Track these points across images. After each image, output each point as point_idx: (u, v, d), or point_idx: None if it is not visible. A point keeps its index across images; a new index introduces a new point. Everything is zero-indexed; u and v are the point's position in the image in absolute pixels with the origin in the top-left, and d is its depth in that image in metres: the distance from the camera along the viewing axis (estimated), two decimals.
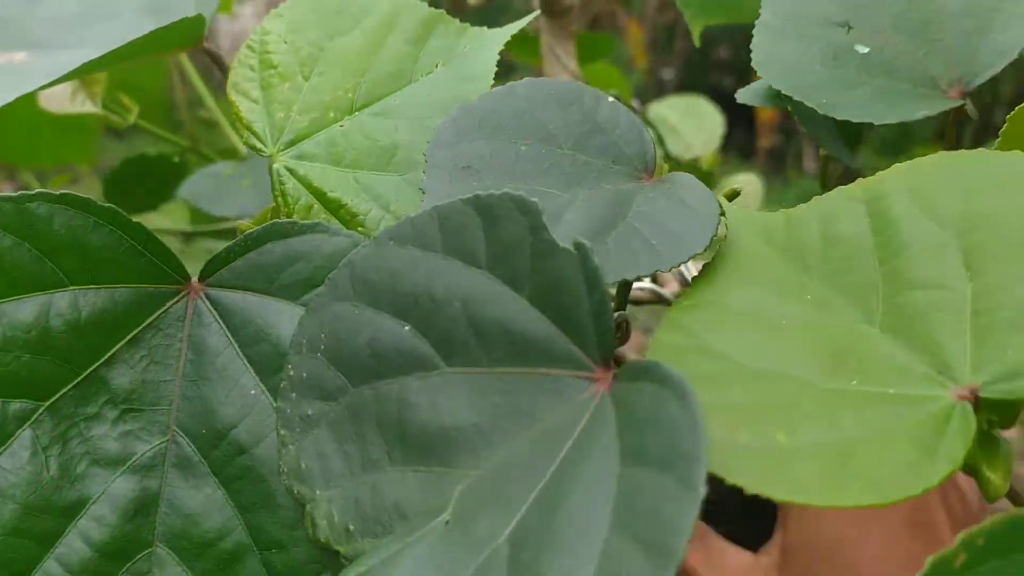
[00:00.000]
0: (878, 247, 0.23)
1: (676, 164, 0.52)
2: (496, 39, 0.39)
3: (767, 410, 0.19)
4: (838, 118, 0.32)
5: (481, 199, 0.23)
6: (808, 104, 0.32)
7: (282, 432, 0.24)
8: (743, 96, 0.38)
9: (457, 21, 0.40)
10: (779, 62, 0.34)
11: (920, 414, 0.19)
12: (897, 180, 0.24)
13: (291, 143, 0.38)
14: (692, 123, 0.49)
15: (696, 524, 0.36)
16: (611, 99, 0.31)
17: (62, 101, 0.54)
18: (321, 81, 0.39)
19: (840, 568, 0.32)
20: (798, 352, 0.21)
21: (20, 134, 0.66)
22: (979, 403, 0.19)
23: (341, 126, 0.38)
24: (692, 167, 0.50)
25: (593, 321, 0.20)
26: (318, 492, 0.23)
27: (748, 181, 0.48)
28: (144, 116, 0.60)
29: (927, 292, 0.21)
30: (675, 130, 0.50)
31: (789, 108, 0.35)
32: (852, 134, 0.38)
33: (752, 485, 0.18)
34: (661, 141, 0.54)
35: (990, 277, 0.20)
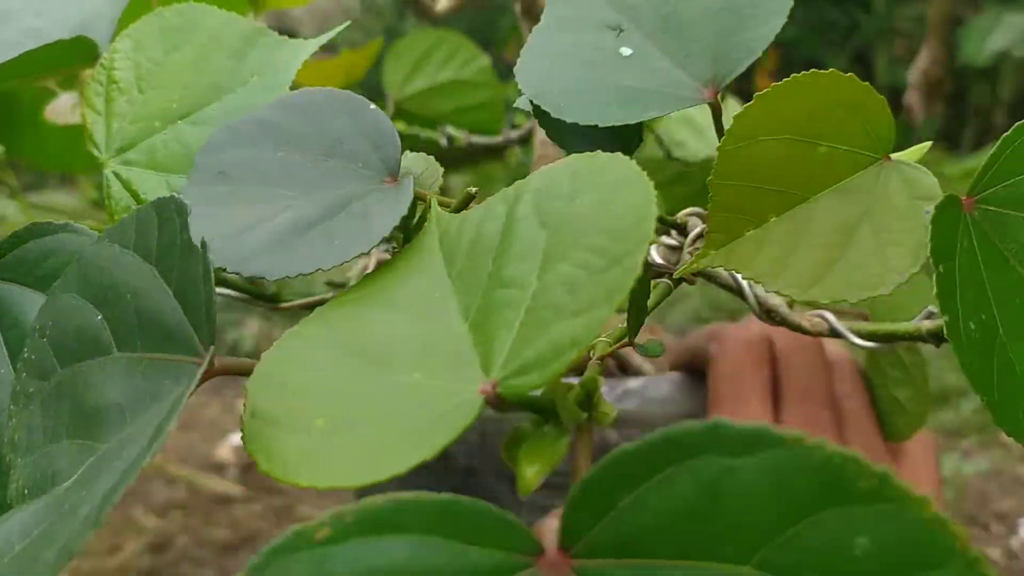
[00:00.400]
0: (499, 247, 0.24)
1: (684, 166, 0.51)
2: (301, 51, 0.42)
3: (325, 399, 0.22)
4: (567, 120, 0.32)
5: (159, 201, 0.26)
6: (544, 108, 0.32)
7: (10, 406, 0.28)
8: (520, 103, 0.36)
9: (276, 35, 0.43)
10: (533, 66, 0.34)
11: (447, 405, 0.20)
12: (534, 179, 0.25)
13: (120, 150, 0.42)
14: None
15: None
16: (373, 107, 0.32)
17: (64, 113, 0.57)
18: (154, 94, 0.43)
19: None
20: (391, 346, 0.23)
21: (33, 138, 0.69)
22: (499, 397, 0.20)
23: (163, 134, 0.42)
24: (704, 168, 0.49)
25: (205, 311, 0.23)
26: (19, 460, 0.26)
27: None
28: None
29: (507, 290, 0.23)
30: (701, 131, 0.49)
31: (536, 114, 0.34)
32: (624, 140, 0.36)
33: (269, 467, 0.20)
34: (659, 142, 0.53)
35: (551, 275, 0.22)
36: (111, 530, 2.08)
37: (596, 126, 0.32)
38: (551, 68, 0.34)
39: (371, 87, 0.55)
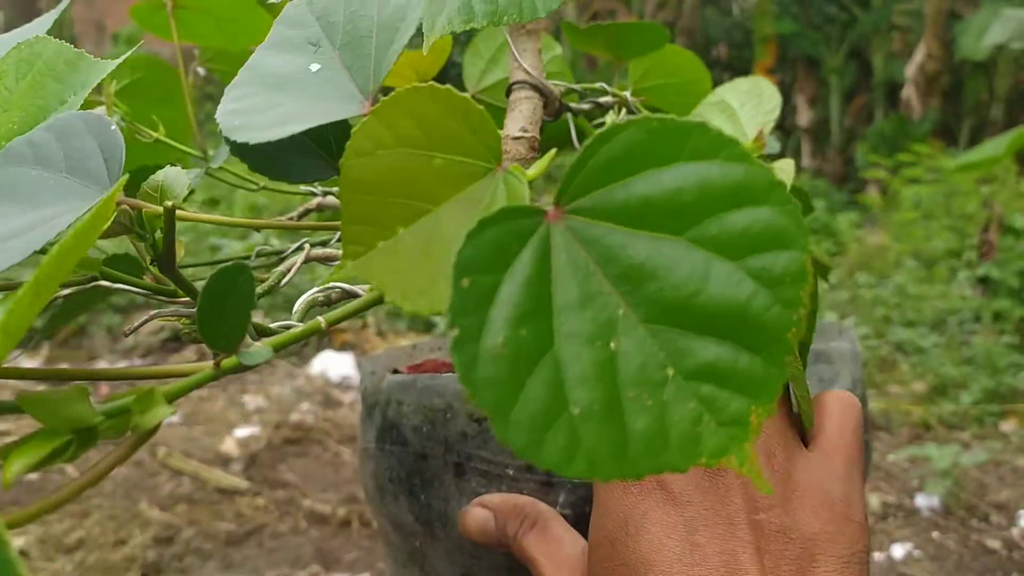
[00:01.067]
0: None
1: None
2: (99, 70, 0.43)
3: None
4: (236, 140, 0.33)
5: None
6: (222, 129, 0.33)
7: None
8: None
9: (93, 58, 0.45)
10: (234, 89, 0.35)
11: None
12: None
13: None
14: (751, 107, 0.48)
15: (543, 510, 0.37)
16: (113, 127, 0.33)
17: None
18: (3, 117, 0.45)
19: (619, 560, 0.33)
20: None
21: None
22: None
23: None
24: None
25: None
26: None
27: (783, 165, 0.49)
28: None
29: None
30: (734, 115, 0.48)
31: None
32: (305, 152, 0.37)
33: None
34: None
35: None
36: (117, 523, 2.09)
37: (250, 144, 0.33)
38: (243, 88, 0.35)
39: (457, 82, 0.56)
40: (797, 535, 0.33)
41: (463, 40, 0.44)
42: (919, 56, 7.97)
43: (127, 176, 0.29)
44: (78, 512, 2.15)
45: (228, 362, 0.28)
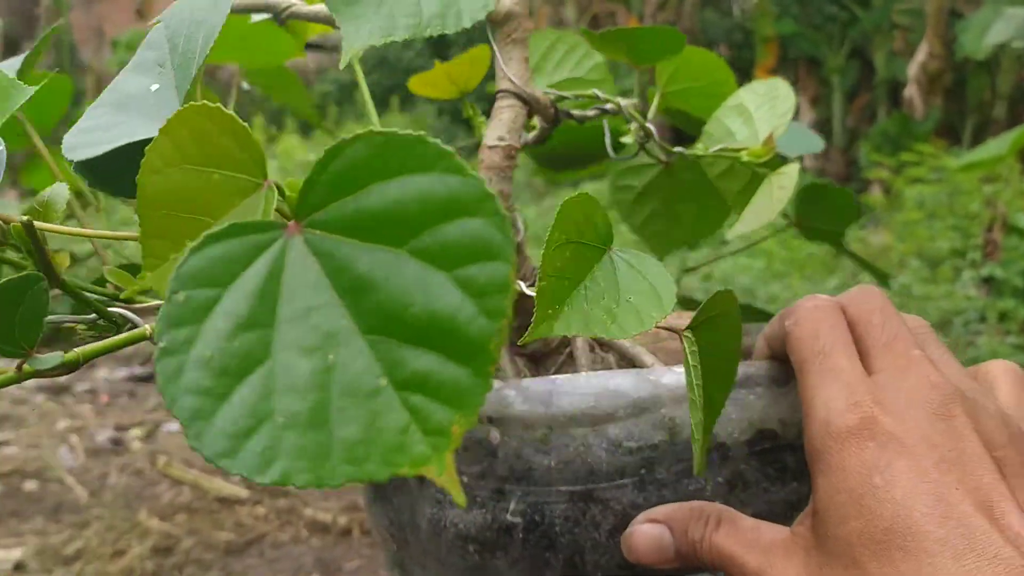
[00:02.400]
0: None
1: (732, 160, 0.50)
2: (18, 95, 0.43)
3: None
4: (69, 159, 0.35)
5: None
6: (63, 148, 0.35)
7: None
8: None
9: (21, 86, 0.43)
10: (90, 109, 0.37)
11: None
12: None
13: None
14: (766, 109, 0.49)
15: (721, 508, 0.38)
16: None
17: None
18: None
19: (870, 517, 0.33)
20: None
21: None
22: None
23: None
24: (731, 159, 0.49)
25: None
26: None
27: (788, 171, 0.48)
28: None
29: None
30: (750, 118, 0.49)
31: None
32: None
33: None
34: (709, 136, 0.52)
35: None
36: (116, 533, 2.07)
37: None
38: (96, 108, 0.38)
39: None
40: None
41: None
42: (921, 55, 7.94)
43: None
44: (77, 522, 2.14)
45: (27, 367, 0.30)
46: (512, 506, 0.38)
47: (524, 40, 0.47)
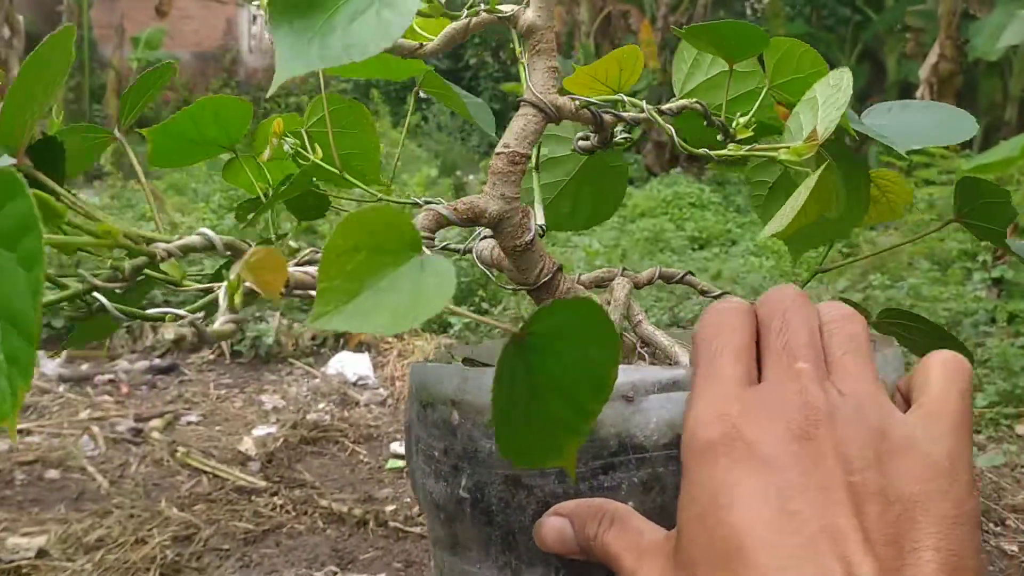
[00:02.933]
0: None
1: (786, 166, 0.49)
2: None
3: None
4: None
5: None
6: None
7: None
8: None
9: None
10: None
11: None
12: None
13: None
14: (830, 102, 0.48)
15: (619, 507, 0.38)
16: None
17: None
18: None
19: (710, 537, 0.32)
20: None
21: None
22: None
23: None
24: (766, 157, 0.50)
25: None
26: None
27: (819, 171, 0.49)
28: None
29: None
30: (817, 110, 0.48)
31: None
32: None
33: None
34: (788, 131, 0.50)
35: None
36: (137, 522, 2.11)
37: None
38: None
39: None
40: (895, 495, 0.32)
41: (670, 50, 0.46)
42: (933, 57, 7.93)
43: None
44: (99, 511, 2.18)
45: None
46: (463, 482, 0.42)
47: (548, 50, 0.49)
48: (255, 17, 14.10)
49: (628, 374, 0.39)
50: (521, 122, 0.49)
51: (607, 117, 0.51)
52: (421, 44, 0.50)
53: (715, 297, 0.54)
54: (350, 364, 3.22)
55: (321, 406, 2.91)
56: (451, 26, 0.49)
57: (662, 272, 0.55)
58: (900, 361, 0.45)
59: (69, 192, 0.39)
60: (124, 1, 11.14)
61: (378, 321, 0.32)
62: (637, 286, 0.53)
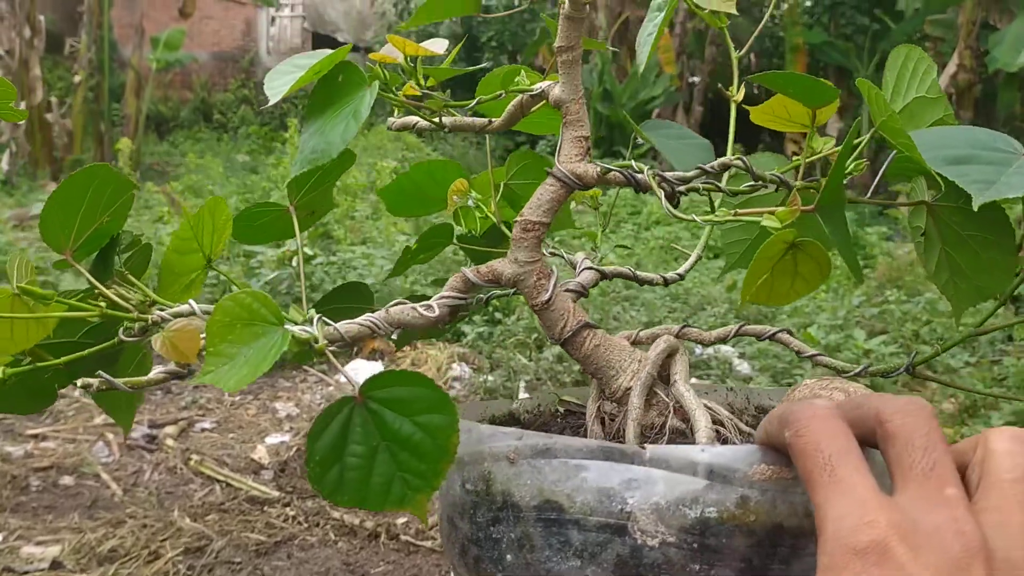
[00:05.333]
0: None
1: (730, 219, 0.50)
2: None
3: None
4: None
5: None
6: None
7: None
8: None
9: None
10: None
11: None
12: None
13: None
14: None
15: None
16: None
17: None
18: None
19: None
20: None
21: None
22: None
23: None
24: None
25: None
26: None
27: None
28: None
29: None
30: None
31: None
32: None
33: None
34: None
35: None
36: (149, 533, 2.12)
37: None
38: None
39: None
40: None
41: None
42: (952, 67, 7.88)
43: None
44: (112, 520, 2.19)
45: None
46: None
47: (575, 121, 0.51)
48: (273, 19, 14.19)
49: (509, 438, 0.44)
50: (540, 191, 0.51)
51: (639, 177, 0.52)
52: (490, 120, 0.54)
53: (809, 357, 0.54)
54: (364, 371, 3.23)
55: None
56: (511, 105, 0.54)
57: (746, 329, 0.55)
58: None
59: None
60: (144, 1, 11.21)
61: (242, 374, 0.41)
62: (704, 344, 0.54)
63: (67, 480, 2.41)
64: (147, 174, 8.93)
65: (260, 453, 2.62)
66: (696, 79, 10.76)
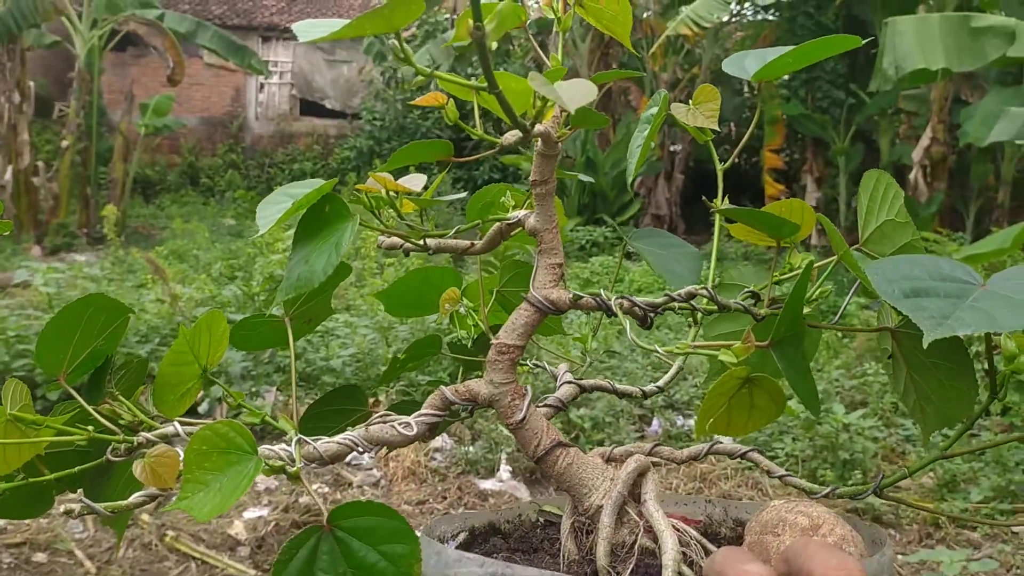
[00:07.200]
0: None
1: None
2: None
3: None
4: None
5: None
6: None
7: None
8: None
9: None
10: None
11: None
12: None
13: None
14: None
15: None
16: None
17: None
18: None
19: None
20: None
21: None
22: None
23: None
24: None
25: None
26: None
27: None
28: None
29: None
30: None
31: None
32: None
33: None
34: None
35: None
36: None
37: None
38: None
39: None
40: None
41: None
42: (925, 140, 8.09)
43: None
44: None
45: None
46: None
47: (549, 249, 0.54)
48: (262, 85, 14.40)
49: (472, 564, 0.47)
50: (514, 316, 0.54)
51: (614, 304, 0.54)
52: (472, 243, 0.57)
53: (779, 477, 0.56)
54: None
55: (314, 487, 2.90)
56: (491, 231, 0.58)
57: (717, 448, 0.57)
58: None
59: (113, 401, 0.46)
60: (135, 68, 11.36)
61: (215, 502, 0.44)
62: (676, 462, 0.56)
63: (40, 557, 2.37)
64: (132, 238, 8.94)
65: (237, 528, 2.58)
66: (677, 147, 10.97)
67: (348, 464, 3.13)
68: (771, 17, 10.58)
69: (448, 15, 12.45)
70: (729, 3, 8.76)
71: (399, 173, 0.56)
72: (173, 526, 2.57)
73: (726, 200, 0.61)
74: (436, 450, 3.28)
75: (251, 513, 2.70)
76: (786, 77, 10.37)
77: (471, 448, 3.24)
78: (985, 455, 2.94)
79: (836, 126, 9.39)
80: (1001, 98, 6.74)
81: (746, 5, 10.92)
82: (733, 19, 10.92)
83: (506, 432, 3.42)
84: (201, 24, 9.69)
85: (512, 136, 0.50)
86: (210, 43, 9.59)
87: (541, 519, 0.61)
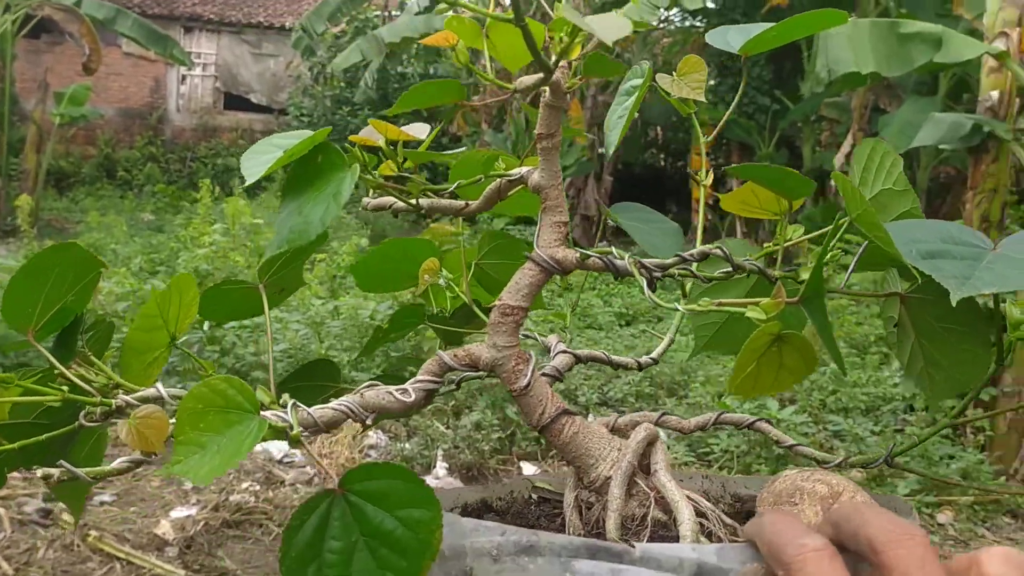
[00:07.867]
0: None
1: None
2: None
3: None
4: None
5: None
6: None
7: None
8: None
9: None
10: None
11: None
12: None
13: None
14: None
15: None
16: None
17: None
18: None
19: None
20: None
21: None
22: None
23: None
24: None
25: None
26: None
27: None
28: None
29: None
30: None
31: None
32: None
33: None
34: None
35: None
36: None
37: None
38: None
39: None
40: None
41: None
42: (846, 147, 8.33)
43: None
44: None
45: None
46: None
47: (554, 207, 0.52)
48: (184, 77, 13.99)
49: (492, 533, 0.44)
50: (518, 276, 0.51)
51: (619, 263, 0.52)
52: (467, 203, 0.54)
53: (788, 447, 0.55)
54: (276, 440, 3.13)
55: (245, 485, 2.81)
56: (488, 189, 0.54)
57: (725, 417, 0.55)
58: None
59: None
60: (49, 56, 10.90)
61: (214, 464, 0.40)
62: (684, 431, 0.54)
63: None
64: (45, 231, 8.57)
65: (164, 528, 2.48)
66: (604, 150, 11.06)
67: (279, 462, 3.05)
68: (698, 24, 10.77)
69: (378, 12, 12.32)
70: (658, 8, 8.89)
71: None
72: (96, 526, 2.46)
73: (705, 178, 0.60)
74: (371, 447, 3.22)
75: (178, 512, 2.60)
76: (712, 82, 10.59)
77: (407, 445, 3.19)
78: (914, 449, 3.03)
79: (761, 132, 9.61)
80: (918, 107, 7.00)
81: (674, 11, 11.08)
82: (660, 24, 11.06)
83: (442, 429, 3.37)
84: (121, 11, 9.35)
85: (527, 80, 0.47)
86: (130, 31, 9.26)
87: (534, 496, 0.58)
